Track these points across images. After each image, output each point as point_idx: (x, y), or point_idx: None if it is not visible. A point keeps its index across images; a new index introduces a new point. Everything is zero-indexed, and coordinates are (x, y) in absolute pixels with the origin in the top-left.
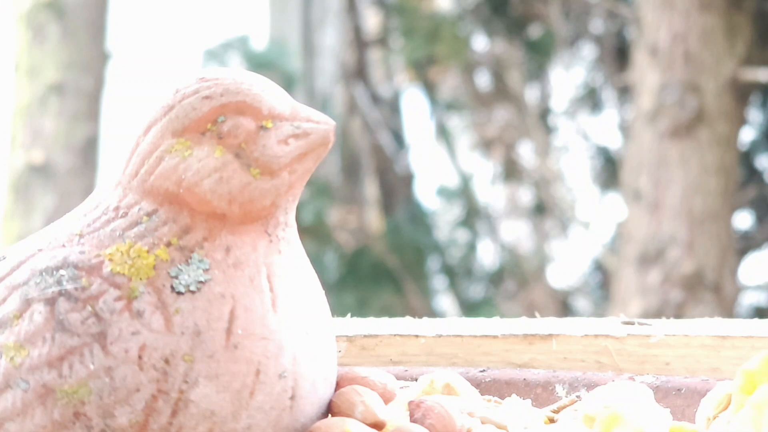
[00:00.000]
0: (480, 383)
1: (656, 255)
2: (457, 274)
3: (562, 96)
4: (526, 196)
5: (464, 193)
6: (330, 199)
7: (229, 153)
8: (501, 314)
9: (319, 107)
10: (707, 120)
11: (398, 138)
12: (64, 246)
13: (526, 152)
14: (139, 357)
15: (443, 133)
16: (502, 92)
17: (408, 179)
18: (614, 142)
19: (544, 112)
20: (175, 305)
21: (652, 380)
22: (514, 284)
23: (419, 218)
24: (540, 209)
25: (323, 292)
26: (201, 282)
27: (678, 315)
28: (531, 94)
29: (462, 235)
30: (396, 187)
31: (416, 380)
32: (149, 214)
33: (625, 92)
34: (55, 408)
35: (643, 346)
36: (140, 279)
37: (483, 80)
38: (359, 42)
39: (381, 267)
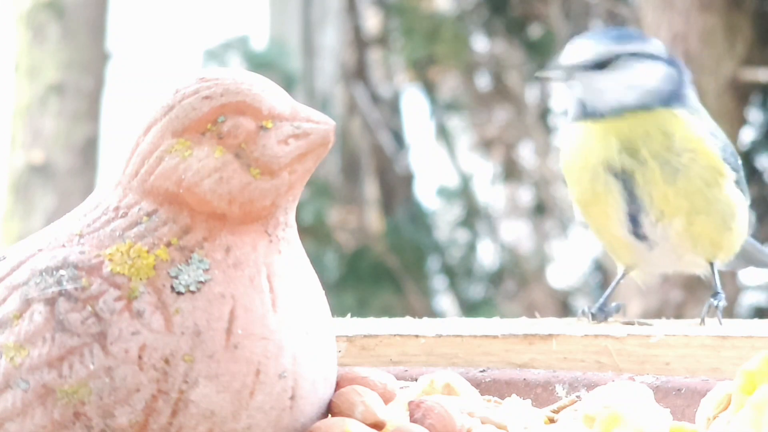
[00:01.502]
0: (480, 383)
1: None
2: (457, 274)
3: (562, 96)
4: (526, 196)
5: (464, 193)
6: (330, 199)
7: (229, 153)
8: (501, 314)
9: (319, 107)
10: None
11: (398, 138)
12: (64, 246)
13: (526, 152)
14: (139, 357)
15: (443, 133)
16: (502, 92)
17: (408, 179)
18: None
19: (544, 112)
20: (175, 305)
21: (652, 380)
22: (514, 284)
23: (419, 218)
24: (540, 209)
25: (323, 292)
26: (201, 282)
27: (678, 315)
28: (531, 94)
29: (462, 235)
30: (396, 187)
31: (416, 380)
32: (149, 214)
33: None
34: (55, 408)
35: (643, 346)
36: (140, 279)
37: (483, 80)
38: (359, 42)
39: (381, 267)
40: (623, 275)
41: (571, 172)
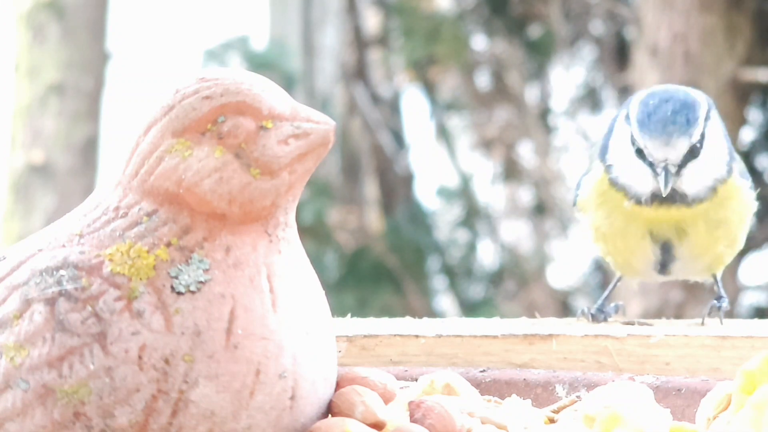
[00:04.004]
0: (480, 383)
1: None
2: (457, 274)
3: (562, 96)
4: (526, 196)
5: (464, 193)
6: (330, 199)
7: (229, 153)
8: (501, 314)
9: (319, 107)
10: None
11: (398, 138)
12: (64, 246)
13: (526, 152)
14: (139, 357)
15: (443, 133)
16: (502, 92)
17: (408, 179)
18: None
19: (544, 112)
20: (175, 305)
21: (652, 380)
22: (514, 284)
23: (419, 218)
24: (540, 209)
25: (323, 292)
26: (201, 282)
27: (678, 315)
28: (531, 94)
29: (462, 235)
30: (396, 187)
31: (416, 380)
32: (149, 215)
33: (625, 92)
34: (55, 408)
35: (643, 346)
36: (140, 279)
37: (483, 80)
38: (359, 42)
39: (381, 267)
40: (620, 278)
41: (603, 216)
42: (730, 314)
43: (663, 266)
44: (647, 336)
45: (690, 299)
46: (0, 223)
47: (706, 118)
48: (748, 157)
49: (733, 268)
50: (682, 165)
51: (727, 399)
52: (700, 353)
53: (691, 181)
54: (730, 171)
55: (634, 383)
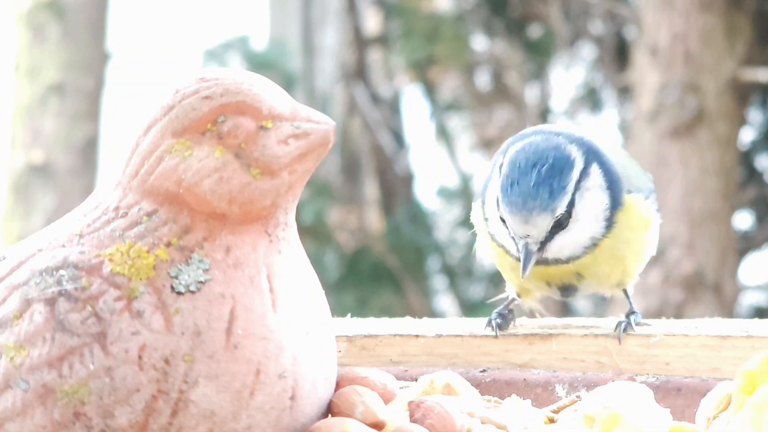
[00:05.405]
0: (480, 383)
1: (656, 255)
2: (457, 274)
3: (562, 96)
4: None
5: (464, 193)
6: (330, 199)
7: (229, 153)
8: None
9: (319, 107)
10: (707, 120)
11: (398, 138)
12: (64, 246)
13: None
14: (139, 357)
15: (443, 133)
16: (502, 92)
17: (408, 179)
18: (614, 142)
19: (544, 112)
20: (175, 305)
21: (652, 380)
22: None
23: (419, 218)
24: None
25: (323, 292)
26: (201, 282)
27: (678, 315)
28: (531, 94)
29: (462, 235)
30: (396, 187)
31: (416, 380)
32: (149, 215)
33: (625, 92)
34: (55, 408)
35: (643, 346)
36: (140, 279)
37: (483, 80)
38: (359, 42)
39: (381, 267)
40: (513, 300)
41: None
42: (730, 314)
43: (566, 295)
44: (647, 336)
45: (690, 299)
46: (0, 223)
47: (580, 179)
48: (748, 157)
49: (733, 268)
50: (546, 240)
51: (727, 399)
52: (700, 353)
53: (562, 249)
54: (609, 226)
55: (634, 383)
